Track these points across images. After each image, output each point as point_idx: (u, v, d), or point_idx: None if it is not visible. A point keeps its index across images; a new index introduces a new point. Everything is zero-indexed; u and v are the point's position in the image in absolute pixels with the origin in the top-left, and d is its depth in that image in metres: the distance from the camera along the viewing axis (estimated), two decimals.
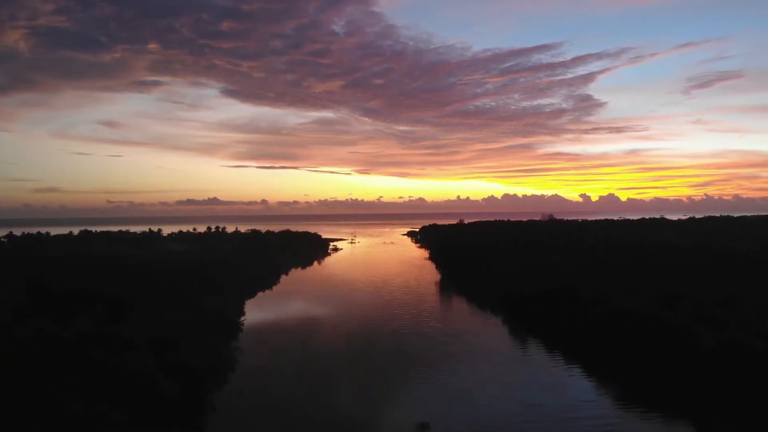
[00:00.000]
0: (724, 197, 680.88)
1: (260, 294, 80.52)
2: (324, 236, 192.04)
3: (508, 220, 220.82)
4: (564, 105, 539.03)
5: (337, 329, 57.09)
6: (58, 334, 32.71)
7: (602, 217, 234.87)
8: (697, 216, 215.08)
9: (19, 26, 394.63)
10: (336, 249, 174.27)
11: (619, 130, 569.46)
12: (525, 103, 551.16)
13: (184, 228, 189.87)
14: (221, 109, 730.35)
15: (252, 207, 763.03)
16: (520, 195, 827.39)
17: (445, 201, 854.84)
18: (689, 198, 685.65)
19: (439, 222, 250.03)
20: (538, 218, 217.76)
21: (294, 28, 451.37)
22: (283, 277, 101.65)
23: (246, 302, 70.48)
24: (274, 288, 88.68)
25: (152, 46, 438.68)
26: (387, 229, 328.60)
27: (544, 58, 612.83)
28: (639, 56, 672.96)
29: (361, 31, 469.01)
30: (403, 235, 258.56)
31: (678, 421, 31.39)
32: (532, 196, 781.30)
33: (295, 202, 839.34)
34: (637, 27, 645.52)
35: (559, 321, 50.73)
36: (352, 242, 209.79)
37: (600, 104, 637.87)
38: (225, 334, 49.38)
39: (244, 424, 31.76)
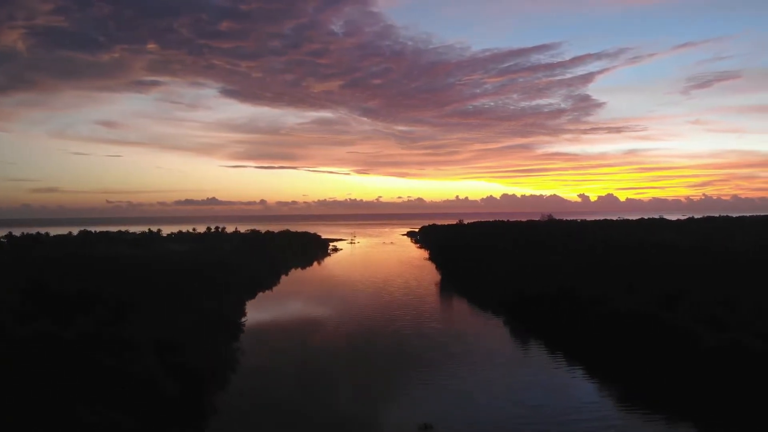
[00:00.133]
0: (723, 197, 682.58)
1: (260, 294, 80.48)
2: (323, 236, 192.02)
3: (508, 220, 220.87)
4: (563, 105, 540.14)
5: (338, 330, 57.10)
6: (59, 335, 32.68)
7: (601, 218, 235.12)
8: (696, 216, 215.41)
9: (18, 26, 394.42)
10: (336, 249, 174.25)
11: (617, 130, 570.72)
12: (524, 104, 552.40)
13: (184, 228, 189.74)
14: (220, 109, 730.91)
15: (251, 207, 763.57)
16: (518, 195, 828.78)
17: (444, 201, 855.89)
18: (688, 198, 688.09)
19: (438, 222, 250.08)
20: (537, 218, 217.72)
21: (293, 28, 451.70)
22: (284, 278, 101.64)
23: (246, 303, 70.46)
24: (275, 288, 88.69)
25: (151, 46, 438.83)
26: (386, 230, 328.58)
27: (543, 58, 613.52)
28: (638, 56, 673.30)
29: (360, 31, 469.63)
30: (403, 235, 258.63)
31: (680, 422, 31.40)
32: (531, 196, 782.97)
33: (294, 202, 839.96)
34: (635, 27, 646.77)
35: (560, 322, 50.80)
36: (351, 242, 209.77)
37: (599, 104, 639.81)
38: (226, 334, 49.38)
39: (247, 426, 31.76)
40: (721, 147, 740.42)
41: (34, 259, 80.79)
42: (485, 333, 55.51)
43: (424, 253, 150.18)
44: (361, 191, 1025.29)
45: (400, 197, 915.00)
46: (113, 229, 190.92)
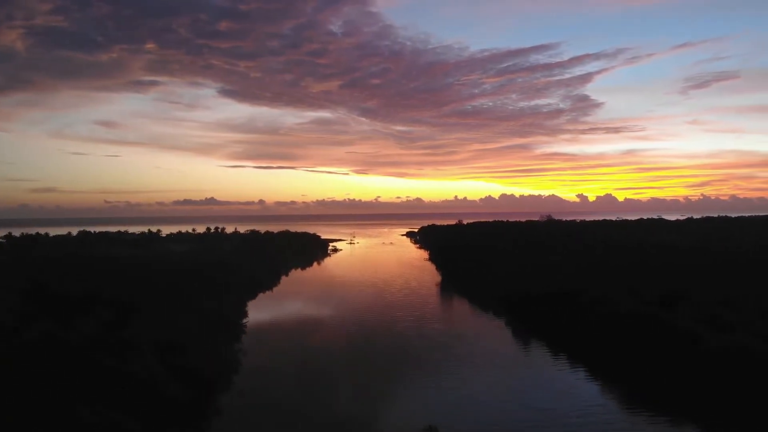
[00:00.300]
0: (721, 197, 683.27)
1: (261, 295, 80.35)
2: (323, 237, 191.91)
3: (507, 220, 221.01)
4: (561, 105, 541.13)
5: (340, 331, 57.05)
6: (64, 338, 32.70)
7: (600, 218, 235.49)
8: (695, 216, 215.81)
9: (17, 26, 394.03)
10: (335, 250, 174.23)
11: (616, 130, 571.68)
12: (522, 104, 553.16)
13: (183, 228, 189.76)
14: (218, 109, 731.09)
15: (249, 207, 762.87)
16: (517, 195, 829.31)
17: (443, 201, 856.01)
18: (686, 198, 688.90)
19: (437, 222, 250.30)
20: (535, 218, 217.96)
21: (291, 28, 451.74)
22: (284, 278, 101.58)
23: (247, 303, 70.40)
24: (275, 289, 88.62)
25: (149, 45, 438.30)
26: (386, 230, 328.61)
27: (542, 58, 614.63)
28: (636, 56, 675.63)
29: (359, 31, 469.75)
30: (402, 235, 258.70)
31: (684, 423, 31.38)
32: (530, 196, 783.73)
33: (293, 202, 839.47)
34: (634, 27, 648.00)
35: (562, 323, 50.78)
36: (351, 243, 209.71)
37: (597, 104, 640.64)
38: (228, 335, 49.34)
39: (249, 427, 31.72)
40: (720, 147, 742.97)
41: (34, 259, 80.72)
42: (487, 334, 55.53)
43: (423, 254, 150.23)
44: (360, 191, 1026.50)
45: (398, 197, 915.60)
46: (112, 229, 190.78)
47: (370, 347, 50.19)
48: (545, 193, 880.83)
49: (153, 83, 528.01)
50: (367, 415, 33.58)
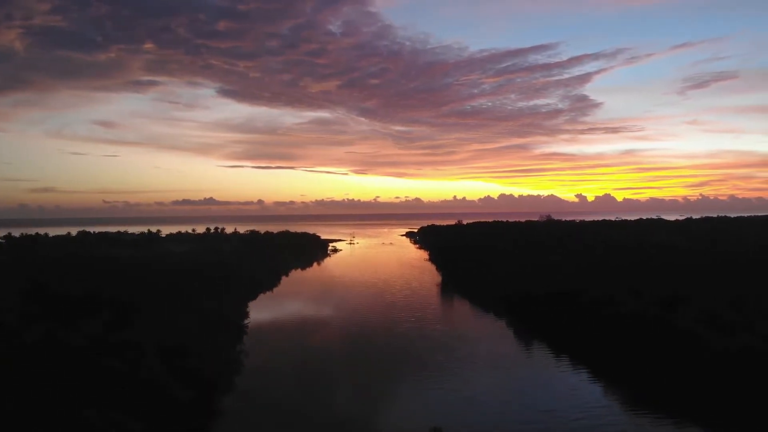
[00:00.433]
0: (720, 197, 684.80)
1: (261, 296, 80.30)
2: (323, 237, 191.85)
3: (507, 221, 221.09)
4: (560, 105, 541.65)
5: (342, 332, 56.96)
6: (66, 339, 32.70)
7: (599, 218, 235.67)
8: (694, 217, 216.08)
9: (15, 26, 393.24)
10: (335, 250, 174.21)
11: (614, 130, 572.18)
12: (521, 104, 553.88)
13: (182, 228, 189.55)
14: (217, 109, 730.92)
15: (248, 207, 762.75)
16: (516, 195, 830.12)
17: (442, 201, 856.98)
18: (685, 198, 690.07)
19: (436, 222, 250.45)
20: (534, 218, 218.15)
21: (290, 28, 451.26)
22: (284, 279, 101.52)
23: (248, 304, 70.32)
24: (276, 290, 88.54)
25: (148, 45, 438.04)
26: (385, 230, 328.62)
27: (541, 58, 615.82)
28: (635, 57, 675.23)
29: (358, 31, 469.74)
30: (402, 235, 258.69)
31: (688, 425, 31.33)
32: (528, 196, 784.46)
33: (292, 202, 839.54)
34: (633, 28, 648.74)
35: (564, 323, 50.83)
36: (351, 243, 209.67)
37: (596, 104, 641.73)
38: (230, 336, 49.28)
39: (252, 429, 31.71)
40: (718, 147, 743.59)
41: (34, 259, 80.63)
42: (489, 335, 55.53)
43: (423, 254, 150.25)
44: (359, 191, 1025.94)
45: (397, 197, 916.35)
46: (110, 229, 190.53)
47: (371, 348, 50.15)
48: (544, 193, 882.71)
49: (152, 83, 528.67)
50: (370, 416, 33.54)
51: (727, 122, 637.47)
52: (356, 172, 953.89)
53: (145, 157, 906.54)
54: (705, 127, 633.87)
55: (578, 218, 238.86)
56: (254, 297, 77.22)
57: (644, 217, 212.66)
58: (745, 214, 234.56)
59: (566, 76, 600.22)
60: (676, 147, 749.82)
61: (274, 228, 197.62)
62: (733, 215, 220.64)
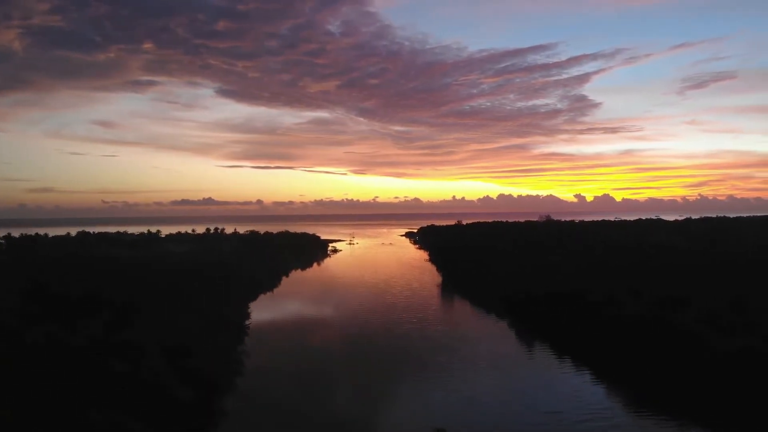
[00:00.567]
0: (719, 197, 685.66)
1: (262, 296, 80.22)
2: (322, 237, 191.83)
3: (507, 221, 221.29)
4: (559, 105, 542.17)
5: (344, 333, 56.88)
6: (67, 340, 32.73)
7: (598, 218, 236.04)
8: (693, 217, 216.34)
9: (14, 26, 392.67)
10: (335, 250, 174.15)
11: (613, 130, 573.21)
12: (520, 104, 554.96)
13: (181, 229, 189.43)
14: (216, 109, 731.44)
15: (247, 207, 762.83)
16: (515, 195, 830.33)
17: (441, 201, 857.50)
18: (683, 198, 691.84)
19: (436, 222, 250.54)
20: (533, 218, 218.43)
21: (289, 28, 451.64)
22: (284, 279, 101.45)
23: (249, 304, 70.25)
24: (276, 290, 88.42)
25: (147, 45, 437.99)
26: (384, 230, 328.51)
27: (540, 58, 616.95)
28: (634, 57, 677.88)
29: (357, 32, 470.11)
30: (401, 236, 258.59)
31: (691, 427, 31.32)
32: (527, 196, 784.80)
33: (291, 203, 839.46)
34: (632, 28, 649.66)
35: (566, 324, 50.82)
36: (350, 243, 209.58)
37: (595, 105, 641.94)
38: (231, 337, 49.27)
39: (254, 430, 31.76)
40: (717, 147, 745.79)
41: (34, 259, 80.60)
42: (490, 336, 55.50)
43: (423, 254, 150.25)
44: (358, 191, 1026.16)
45: (396, 197, 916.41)
46: (109, 229, 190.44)
47: (372, 348, 50.13)
48: (543, 193, 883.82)
49: (151, 83, 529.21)
50: (372, 417, 33.51)
51: (726, 122, 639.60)
52: (355, 172, 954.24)
53: (144, 157, 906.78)
54: (704, 127, 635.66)
55: (577, 218, 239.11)
56: (254, 297, 77.16)
57: (643, 218, 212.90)
58: (744, 214, 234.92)
59: (565, 76, 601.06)
60: (675, 147, 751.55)
61: (274, 228, 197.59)
62: (732, 215, 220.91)
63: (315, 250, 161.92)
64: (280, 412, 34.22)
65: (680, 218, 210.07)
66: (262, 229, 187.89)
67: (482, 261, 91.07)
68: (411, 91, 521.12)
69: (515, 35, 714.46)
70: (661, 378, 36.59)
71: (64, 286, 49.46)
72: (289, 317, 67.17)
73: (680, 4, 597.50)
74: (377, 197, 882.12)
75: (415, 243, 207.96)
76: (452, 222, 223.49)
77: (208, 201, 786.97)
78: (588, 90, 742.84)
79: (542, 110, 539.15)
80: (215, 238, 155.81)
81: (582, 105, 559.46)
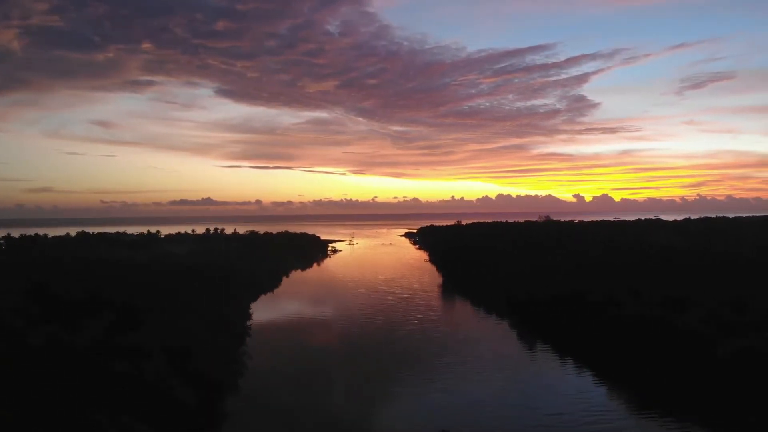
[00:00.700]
0: (717, 198, 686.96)
1: (263, 297, 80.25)
2: (322, 237, 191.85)
3: (506, 221, 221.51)
4: (558, 105, 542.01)
5: (346, 334, 56.84)
6: (71, 343, 32.73)
7: (596, 218, 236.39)
8: (692, 217, 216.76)
9: (12, 25, 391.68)
10: (335, 251, 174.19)
11: (612, 130, 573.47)
12: (519, 104, 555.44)
13: (180, 229, 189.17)
14: (215, 109, 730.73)
15: (246, 207, 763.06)
16: (514, 195, 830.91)
17: (440, 201, 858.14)
18: (682, 198, 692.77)
19: (435, 222, 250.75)
20: (532, 218, 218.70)
21: (288, 28, 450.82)
22: (285, 280, 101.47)
23: (250, 305, 70.30)
24: (277, 291, 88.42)
25: (146, 45, 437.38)
26: (384, 230, 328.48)
27: (538, 58, 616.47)
28: (632, 57, 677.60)
29: (356, 31, 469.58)
30: (401, 236, 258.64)
31: (694, 428, 31.36)
32: (526, 196, 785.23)
33: (290, 203, 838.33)
34: (630, 28, 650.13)
35: (567, 325, 50.91)
36: (350, 244, 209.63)
37: (593, 105, 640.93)
38: (232, 338, 49.31)
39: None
40: (716, 147, 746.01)
41: (34, 260, 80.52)
42: (492, 336, 55.55)
43: (423, 255, 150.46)
44: (357, 191, 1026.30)
45: (395, 197, 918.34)
46: (108, 229, 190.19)
47: (374, 349, 50.14)
48: (542, 193, 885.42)
49: (149, 83, 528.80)
50: (374, 418, 33.54)
51: (724, 122, 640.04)
52: (354, 172, 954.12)
53: (142, 157, 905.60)
54: (702, 128, 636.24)
55: (576, 218, 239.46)
56: (255, 298, 77.19)
57: (642, 218, 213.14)
58: (743, 215, 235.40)
59: (564, 76, 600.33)
60: (674, 147, 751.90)
61: (273, 228, 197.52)
62: (730, 215, 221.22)
63: (315, 250, 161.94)
64: (282, 413, 34.26)
65: (679, 218, 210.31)
66: (261, 229, 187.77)
67: (482, 261, 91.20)
68: (410, 91, 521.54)
69: (514, 35, 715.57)
70: (662, 378, 36.65)
71: (65, 287, 49.49)
72: (290, 318, 67.19)
73: (678, 5, 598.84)
74: (376, 197, 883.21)
75: (414, 243, 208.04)
76: (451, 222, 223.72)
77: (207, 201, 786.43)
78: (586, 90, 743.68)
79: (541, 110, 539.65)
80: (215, 238, 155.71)
81: (581, 105, 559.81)
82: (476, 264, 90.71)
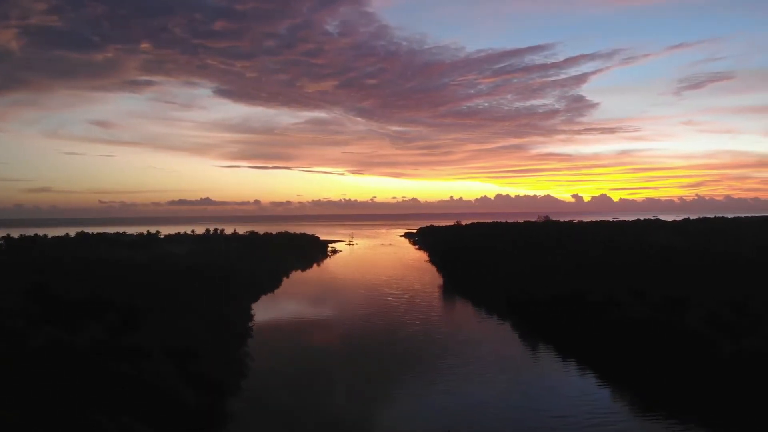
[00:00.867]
0: (716, 198, 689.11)
1: (264, 297, 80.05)
2: (322, 238, 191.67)
3: (506, 221, 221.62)
4: (556, 106, 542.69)
5: (347, 335, 56.68)
6: (72, 344, 32.64)
7: (595, 218, 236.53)
8: (691, 217, 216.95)
9: (12, 25, 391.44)
10: (335, 251, 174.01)
11: (611, 130, 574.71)
12: (518, 104, 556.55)
13: (179, 229, 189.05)
14: (214, 109, 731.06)
15: (245, 207, 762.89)
16: (512, 195, 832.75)
17: (439, 201, 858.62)
18: (681, 198, 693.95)
19: (434, 222, 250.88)
20: (531, 218, 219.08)
21: (287, 28, 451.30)
22: (285, 280, 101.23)
23: (251, 306, 70.13)
24: (278, 291, 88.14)
25: (145, 45, 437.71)
26: (383, 230, 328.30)
27: (537, 59, 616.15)
28: (631, 57, 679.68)
29: (355, 32, 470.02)
30: (401, 236, 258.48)
31: (696, 429, 31.32)
32: (525, 196, 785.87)
33: (288, 203, 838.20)
34: (629, 28, 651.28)
35: (568, 325, 50.83)
36: (350, 244, 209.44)
37: (592, 105, 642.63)
38: (234, 339, 49.19)
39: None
40: (715, 147, 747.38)
41: (34, 260, 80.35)
42: (494, 337, 55.40)
43: (423, 255, 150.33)
44: (356, 191, 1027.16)
45: (394, 197, 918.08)
46: (107, 229, 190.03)
47: (376, 350, 50.00)
48: (540, 193, 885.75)
49: (148, 83, 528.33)
50: (377, 420, 33.44)
51: (723, 123, 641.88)
52: (353, 172, 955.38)
53: (141, 157, 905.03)
54: (701, 128, 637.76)
55: (575, 218, 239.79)
56: (256, 298, 77.04)
57: (641, 218, 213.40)
58: (742, 215, 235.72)
59: (563, 76, 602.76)
60: (672, 147, 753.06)
61: (272, 228, 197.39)
62: (729, 216, 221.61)
63: (315, 250, 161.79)
64: (283, 413, 34.15)
65: (678, 218, 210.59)
66: (260, 229, 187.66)
67: (482, 261, 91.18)
68: (409, 91, 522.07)
69: (513, 35, 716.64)
70: (663, 379, 36.58)
71: (65, 287, 49.40)
72: (291, 318, 67.02)
73: (677, 5, 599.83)
74: (375, 197, 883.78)
75: (414, 243, 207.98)
76: (450, 222, 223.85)
77: (206, 201, 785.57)
78: (585, 90, 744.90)
79: (540, 110, 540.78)
80: (215, 238, 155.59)
81: (579, 105, 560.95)
82: (476, 264, 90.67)
